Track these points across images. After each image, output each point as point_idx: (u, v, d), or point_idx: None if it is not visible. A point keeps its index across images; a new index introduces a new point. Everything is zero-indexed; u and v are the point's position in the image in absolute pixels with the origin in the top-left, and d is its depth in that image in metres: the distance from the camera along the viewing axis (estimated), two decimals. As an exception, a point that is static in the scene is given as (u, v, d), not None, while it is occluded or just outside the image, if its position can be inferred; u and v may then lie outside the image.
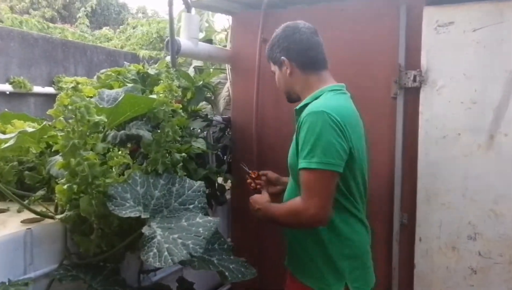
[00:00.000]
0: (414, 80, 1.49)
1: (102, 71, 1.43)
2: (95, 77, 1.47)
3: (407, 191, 1.56)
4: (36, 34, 4.78)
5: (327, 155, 1.06)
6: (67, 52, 4.69)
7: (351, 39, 1.62)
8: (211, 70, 2.38)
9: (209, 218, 1.14)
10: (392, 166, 1.57)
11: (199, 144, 1.41)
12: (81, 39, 6.17)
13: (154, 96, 1.24)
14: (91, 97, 1.16)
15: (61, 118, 1.03)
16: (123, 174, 1.17)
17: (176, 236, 1.05)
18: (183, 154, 1.24)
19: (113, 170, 1.13)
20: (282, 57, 1.23)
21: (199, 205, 1.17)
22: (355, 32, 1.61)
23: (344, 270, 1.17)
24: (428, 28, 1.44)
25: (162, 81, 1.20)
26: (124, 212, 1.04)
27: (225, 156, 1.97)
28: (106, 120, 1.08)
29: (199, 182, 1.22)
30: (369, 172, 1.29)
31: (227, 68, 2.01)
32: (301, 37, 1.22)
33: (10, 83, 4.26)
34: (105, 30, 8.14)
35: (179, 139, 1.21)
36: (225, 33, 2.55)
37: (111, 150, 1.15)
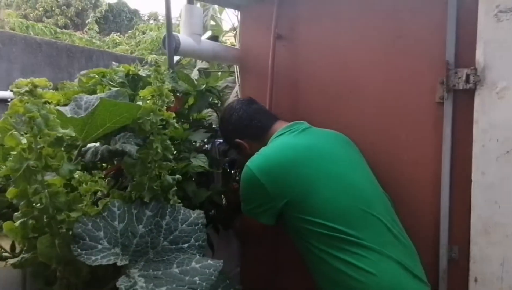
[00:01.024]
0: (467, 81, 1.20)
1: (82, 72, 1.18)
2: (76, 80, 1.22)
3: (458, 218, 1.26)
4: (40, 38, 4.63)
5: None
6: (72, 57, 4.50)
7: (386, 31, 1.34)
8: (219, 73, 2.12)
9: (209, 261, 0.86)
10: (437, 188, 1.28)
11: (200, 162, 1.14)
12: (88, 44, 6.01)
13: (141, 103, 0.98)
14: (57, 104, 0.90)
15: (13, 132, 0.78)
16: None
17: (163, 289, 0.78)
18: (178, 176, 0.97)
19: (86, 199, 0.86)
20: (236, 140, 1.30)
21: (196, 244, 0.90)
22: (391, 22, 1.33)
23: None
24: (486, 15, 1.14)
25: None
26: (93, 258, 0.77)
27: (233, 170, 1.70)
28: (73, 134, 0.82)
29: (196, 212, 0.95)
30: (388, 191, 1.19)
31: (235, 70, 1.75)
32: (239, 114, 1.30)
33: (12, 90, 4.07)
34: (114, 35, 8.00)
35: (171, 157, 0.94)
36: (234, 32, 2.29)
37: (82, 173, 0.88)
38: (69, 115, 0.89)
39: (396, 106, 1.34)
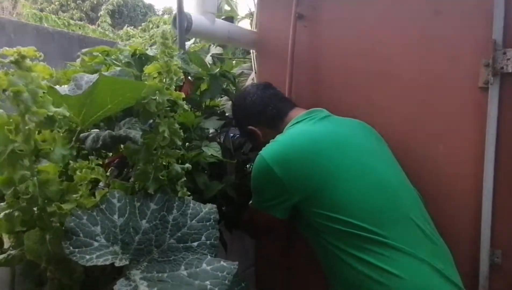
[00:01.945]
0: (517, 63, 1.05)
1: (84, 50, 1.07)
2: (79, 60, 1.11)
3: (502, 219, 1.12)
4: (52, 29, 4.58)
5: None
6: (85, 48, 4.42)
7: (421, 6, 1.19)
8: (234, 61, 1.99)
9: (222, 263, 0.75)
10: (478, 183, 1.14)
11: (213, 150, 1.02)
12: (102, 37, 5.96)
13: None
14: (49, 79, 0.79)
15: (-3, 110, 0.67)
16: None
17: (168, 295, 0.67)
18: (187, 165, 0.86)
19: (81, 189, 0.75)
20: (248, 127, 1.20)
21: (208, 242, 0.78)
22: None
23: None
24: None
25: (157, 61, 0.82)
26: (87, 257, 0.66)
27: (248, 165, 1.57)
28: (67, 113, 0.70)
29: (208, 206, 0.83)
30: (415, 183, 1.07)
31: (251, 55, 1.63)
32: (253, 99, 1.19)
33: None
34: (127, 28, 7.95)
35: (180, 143, 0.83)
36: (250, 19, 2.17)
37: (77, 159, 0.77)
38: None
39: (431, 92, 1.19)
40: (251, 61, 1.72)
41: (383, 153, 1.09)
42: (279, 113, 1.16)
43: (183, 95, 0.83)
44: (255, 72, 1.58)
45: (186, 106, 0.84)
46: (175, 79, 0.81)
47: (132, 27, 9.55)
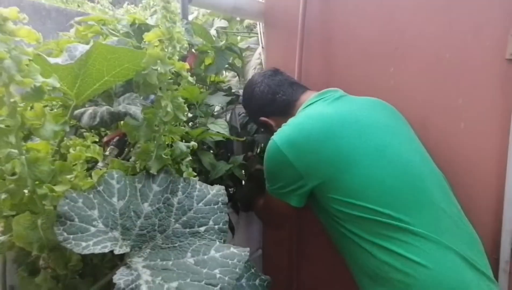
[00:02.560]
0: (551, 31, 0.96)
1: (77, 18, 0.98)
2: (72, 30, 1.03)
3: (527, 200, 1.05)
4: (49, 5, 4.43)
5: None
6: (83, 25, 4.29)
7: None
8: (239, 36, 1.89)
9: (232, 249, 0.69)
10: (502, 161, 1.06)
11: (219, 128, 0.95)
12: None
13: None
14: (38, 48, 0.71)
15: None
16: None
17: (175, 285, 0.61)
18: (193, 143, 0.78)
19: (76, 169, 0.68)
20: (260, 118, 1.13)
21: (216, 227, 0.72)
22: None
23: None
24: None
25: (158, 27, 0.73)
26: (83, 244, 0.60)
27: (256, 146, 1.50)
28: (57, 84, 0.63)
29: (216, 188, 0.77)
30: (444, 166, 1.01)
31: (258, 28, 1.53)
32: (261, 89, 1.12)
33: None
34: (127, 6, 7.74)
35: (185, 119, 0.75)
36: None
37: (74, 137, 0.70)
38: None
39: (454, 65, 1.10)
40: (257, 35, 1.62)
41: (404, 133, 1.01)
42: (289, 99, 1.10)
43: (188, 66, 0.75)
44: (262, 47, 1.49)
45: (190, 79, 0.76)
46: (178, 47, 0.73)
47: (133, 5, 9.31)
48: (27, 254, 0.69)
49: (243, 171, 1.18)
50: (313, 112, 0.99)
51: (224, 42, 1.18)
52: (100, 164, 0.90)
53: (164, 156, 0.73)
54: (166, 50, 0.73)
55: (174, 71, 0.75)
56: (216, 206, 0.74)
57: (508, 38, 1.03)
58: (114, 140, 0.97)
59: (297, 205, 0.94)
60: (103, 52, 0.72)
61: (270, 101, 1.10)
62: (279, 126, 1.03)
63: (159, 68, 0.70)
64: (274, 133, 0.95)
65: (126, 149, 0.96)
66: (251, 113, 1.21)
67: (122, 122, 0.91)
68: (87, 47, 0.84)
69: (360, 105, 1.03)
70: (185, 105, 0.75)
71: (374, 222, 0.84)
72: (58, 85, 0.63)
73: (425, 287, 0.79)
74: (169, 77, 0.73)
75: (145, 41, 0.73)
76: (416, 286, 0.80)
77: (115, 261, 0.72)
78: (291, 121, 0.97)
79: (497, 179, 1.07)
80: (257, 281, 0.86)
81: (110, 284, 0.69)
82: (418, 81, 1.15)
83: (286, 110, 1.08)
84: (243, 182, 1.25)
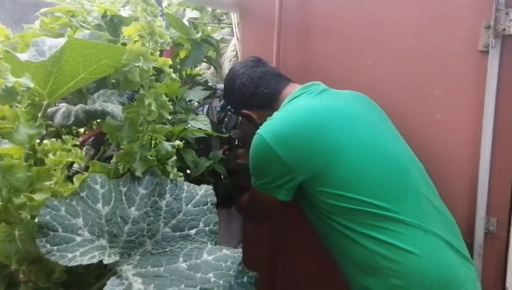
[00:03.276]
0: (521, 24, 1.00)
1: (43, 9, 0.91)
2: (37, 22, 0.95)
3: (498, 187, 1.09)
4: (0, -7, 4.14)
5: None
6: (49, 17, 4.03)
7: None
8: (209, 27, 1.84)
9: (225, 251, 0.67)
10: (476, 150, 1.10)
11: (201, 124, 0.92)
12: (61, 1, 5.47)
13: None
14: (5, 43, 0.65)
15: None
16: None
17: (168, 292, 0.58)
18: (178, 142, 0.75)
19: (56, 175, 0.63)
20: (242, 111, 1.11)
21: (207, 229, 0.70)
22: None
23: None
24: None
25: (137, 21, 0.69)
26: (69, 255, 0.56)
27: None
28: (31, 84, 0.58)
29: (203, 188, 0.74)
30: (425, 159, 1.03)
31: (233, 19, 1.49)
32: (242, 81, 1.09)
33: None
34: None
35: (168, 117, 0.72)
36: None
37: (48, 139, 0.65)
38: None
39: (429, 56, 1.13)
40: (231, 26, 1.59)
41: (387, 127, 1.02)
42: (272, 92, 1.07)
43: (170, 62, 0.71)
44: (238, 39, 1.46)
45: (174, 75, 0.73)
46: (160, 42, 0.69)
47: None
48: (5, 267, 0.64)
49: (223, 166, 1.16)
50: (300, 105, 0.99)
51: (200, 34, 1.14)
52: (75, 166, 0.85)
53: (149, 157, 0.69)
54: (147, 45, 0.69)
55: (155, 67, 0.71)
56: (205, 207, 0.72)
57: (480, 31, 1.06)
58: (89, 140, 0.92)
59: (285, 199, 0.93)
60: (79, 47, 0.67)
61: (252, 95, 1.07)
62: (262, 119, 1.02)
63: (141, 65, 0.66)
64: (260, 128, 0.93)
65: (102, 148, 0.91)
66: (233, 105, 1.18)
67: (98, 121, 0.87)
68: (56, 41, 0.78)
69: (344, 99, 1.03)
70: (170, 103, 0.71)
71: (364, 213, 0.85)
72: (31, 85, 0.58)
73: (415, 273, 0.82)
74: (152, 74, 0.70)
75: (124, 36, 0.69)
76: (406, 272, 0.82)
77: (101, 269, 0.68)
78: (277, 115, 0.96)
79: (471, 167, 1.11)
80: (245, 279, 0.85)
81: (98, 292, 0.66)
82: (395, 73, 1.17)
83: (268, 103, 1.06)
84: (222, 177, 1.23)
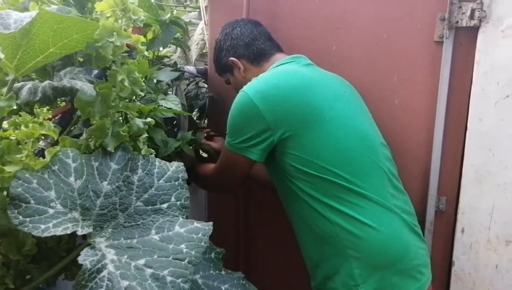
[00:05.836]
0: (472, 17, 1.08)
1: (7, -18, 0.88)
2: (0, -4, 0.92)
3: (448, 168, 1.19)
4: None
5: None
6: None
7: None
8: (174, 10, 1.83)
9: (196, 224, 0.70)
10: (429, 134, 1.18)
11: (171, 104, 0.93)
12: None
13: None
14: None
15: None
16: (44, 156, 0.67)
17: (142, 262, 0.61)
18: (149, 119, 0.77)
19: (26, 148, 0.63)
20: (230, 58, 1.12)
21: (178, 203, 0.72)
22: None
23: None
24: None
25: (109, -3, 0.69)
26: (43, 227, 0.56)
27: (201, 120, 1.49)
28: (2, 55, 0.57)
29: (175, 165, 0.76)
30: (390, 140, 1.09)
31: (201, 3, 1.50)
32: (242, 31, 1.13)
33: None
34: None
35: (141, 94, 0.73)
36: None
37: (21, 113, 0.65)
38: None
39: (388, 45, 1.19)
40: (198, 10, 1.59)
41: (363, 108, 1.08)
42: (266, 50, 1.11)
43: (143, 39, 0.72)
44: (205, 23, 1.46)
45: (146, 53, 0.74)
46: (133, 19, 0.70)
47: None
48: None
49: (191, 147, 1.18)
50: (285, 68, 1.02)
51: (169, 15, 1.14)
52: (41, 143, 0.84)
53: (121, 132, 0.70)
54: (120, 21, 0.69)
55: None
56: (176, 183, 0.74)
57: (436, 22, 1.13)
58: (56, 117, 0.90)
59: (258, 159, 0.95)
60: (49, 21, 0.66)
61: (247, 44, 1.11)
62: (246, 73, 1.08)
63: (114, 41, 0.67)
64: (244, 86, 0.96)
65: (69, 127, 0.90)
66: (222, 52, 1.16)
67: (68, 98, 0.86)
68: (23, 15, 0.76)
69: (328, 75, 1.08)
70: (142, 80, 0.72)
71: (330, 183, 0.89)
72: (2, 56, 0.57)
73: (373, 246, 0.88)
74: (124, 51, 0.70)
75: (96, 11, 0.69)
76: (364, 246, 0.88)
77: (71, 243, 0.69)
78: (263, 76, 0.98)
79: (425, 150, 1.20)
80: (212, 254, 0.88)
81: (67, 268, 0.67)
82: (358, 60, 1.23)
83: (259, 59, 1.10)
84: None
